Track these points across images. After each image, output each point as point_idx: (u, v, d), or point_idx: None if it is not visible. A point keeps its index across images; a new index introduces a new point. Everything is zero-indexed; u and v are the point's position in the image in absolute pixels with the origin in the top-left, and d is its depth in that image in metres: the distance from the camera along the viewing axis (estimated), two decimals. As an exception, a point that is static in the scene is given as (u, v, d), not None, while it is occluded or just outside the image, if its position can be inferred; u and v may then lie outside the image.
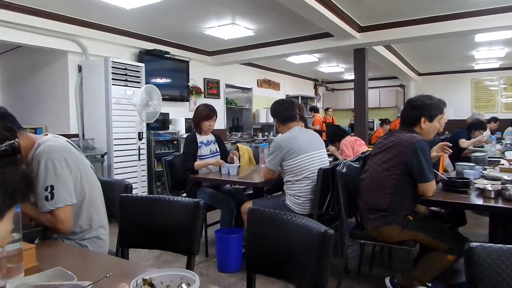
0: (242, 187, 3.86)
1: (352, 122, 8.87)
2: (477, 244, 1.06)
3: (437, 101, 2.52)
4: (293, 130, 2.86)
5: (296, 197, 2.77)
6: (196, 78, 7.41)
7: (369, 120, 11.03)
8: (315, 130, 8.93)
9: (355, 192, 2.60)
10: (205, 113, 3.56)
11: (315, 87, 12.37)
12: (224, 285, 2.81)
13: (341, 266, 2.72)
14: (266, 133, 9.37)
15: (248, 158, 4.13)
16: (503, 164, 3.32)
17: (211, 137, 3.69)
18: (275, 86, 10.22)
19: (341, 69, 10.06)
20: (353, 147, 4.25)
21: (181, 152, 3.60)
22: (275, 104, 3.02)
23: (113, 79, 4.95)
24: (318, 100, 12.42)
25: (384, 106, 11.64)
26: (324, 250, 1.20)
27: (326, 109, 10.90)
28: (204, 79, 7.74)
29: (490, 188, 2.28)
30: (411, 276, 2.43)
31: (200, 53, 7.38)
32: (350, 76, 10.35)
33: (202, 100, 7.28)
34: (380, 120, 9.67)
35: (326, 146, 3.74)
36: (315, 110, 9.61)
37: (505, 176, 2.63)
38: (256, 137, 8.87)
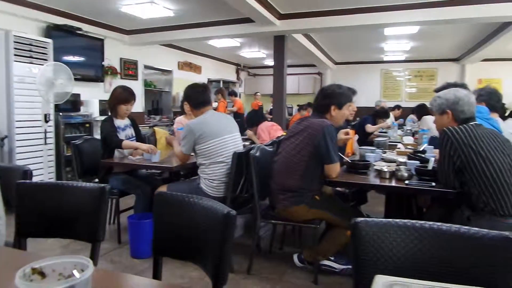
0: (158, 171, 3.79)
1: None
2: (361, 219, 1.18)
3: (346, 90, 2.70)
4: (206, 114, 2.87)
5: (210, 181, 2.80)
6: (112, 58, 7.02)
7: (288, 106, 11.43)
8: (235, 113, 9.05)
9: (268, 175, 2.71)
10: (123, 97, 3.40)
11: (237, 72, 12.44)
12: (137, 271, 2.77)
13: (253, 246, 2.84)
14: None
15: (165, 142, 4.05)
16: (399, 148, 3.68)
17: (127, 121, 3.56)
18: (197, 69, 10.07)
19: (262, 54, 10.21)
20: (270, 132, 4.39)
21: (102, 135, 3.38)
22: (188, 89, 3.00)
23: (15, 55, 4.50)
24: (240, 85, 12.52)
25: (303, 93, 12.10)
26: (226, 230, 1.24)
27: (255, 94, 11.04)
28: (121, 59, 7.36)
29: (386, 170, 2.52)
30: (316, 251, 2.61)
31: (116, 31, 6.99)
32: (272, 62, 10.55)
33: (118, 81, 6.92)
34: (298, 106, 10.05)
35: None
36: (234, 94, 9.69)
37: (400, 159, 2.92)
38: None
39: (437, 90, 2.82)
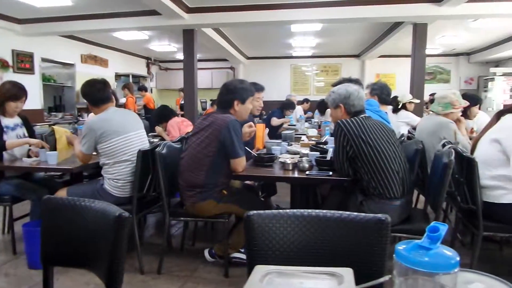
0: (58, 173, 3.53)
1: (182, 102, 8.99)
2: (253, 212, 1.22)
3: (248, 85, 2.76)
4: (107, 111, 2.72)
5: (115, 181, 2.67)
6: (2, 49, 6.33)
7: (202, 100, 11.36)
8: (147, 108, 8.75)
9: (176, 172, 2.67)
10: (12, 93, 3.08)
11: (148, 66, 12.01)
12: (34, 282, 2.55)
13: (163, 244, 2.79)
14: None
15: (66, 142, 3.77)
16: (303, 140, 3.87)
17: (17, 120, 3.23)
18: (103, 62, 9.51)
19: (173, 48, 10.00)
20: (180, 127, 4.31)
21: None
22: (85, 86, 2.81)
23: None
24: (151, 79, 12.11)
25: (216, 87, 12.04)
26: (118, 232, 1.20)
27: (180, 89, 10.72)
28: (13, 51, 6.67)
29: (289, 162, 2.64)
30: (227, 244, 2.65)
31: (5, 19, 6.33)
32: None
33: (10, 76, 6.27)
34: (211, 100, 10.03)
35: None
36: (144, 89, 9.38)
37: (303, 150, 3.08)
38: (81, 118, 8.13)
39: (334, 85, 3.01)
